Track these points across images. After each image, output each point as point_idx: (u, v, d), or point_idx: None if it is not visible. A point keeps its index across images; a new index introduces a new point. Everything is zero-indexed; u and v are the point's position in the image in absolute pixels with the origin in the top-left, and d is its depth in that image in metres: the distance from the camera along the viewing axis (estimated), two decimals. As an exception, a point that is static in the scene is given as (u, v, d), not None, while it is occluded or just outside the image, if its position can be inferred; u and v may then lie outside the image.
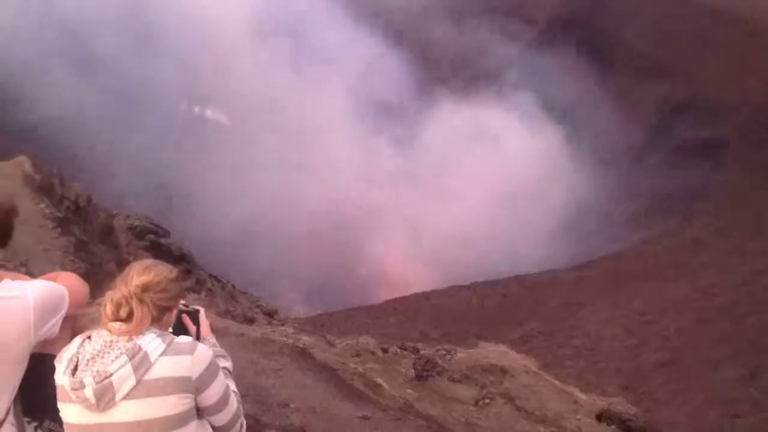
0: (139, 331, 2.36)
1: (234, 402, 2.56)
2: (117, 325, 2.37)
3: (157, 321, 2.45)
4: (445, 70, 43.54)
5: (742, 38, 33.16)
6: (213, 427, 2.53)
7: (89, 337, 2.37)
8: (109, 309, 2.39)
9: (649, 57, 36.42)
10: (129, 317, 2.38)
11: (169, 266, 2.60)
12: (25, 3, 34.30)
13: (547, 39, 41.78)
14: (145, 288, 2.40)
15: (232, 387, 2.67)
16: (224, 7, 37.79)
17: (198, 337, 2.82)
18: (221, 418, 2.51)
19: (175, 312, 2.59)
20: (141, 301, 2.38)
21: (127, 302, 2.39)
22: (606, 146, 36.47)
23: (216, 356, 2.69)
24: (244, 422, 2.74)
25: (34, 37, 32.29)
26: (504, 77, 42.50)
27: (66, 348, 2.39)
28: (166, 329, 2.57)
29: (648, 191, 31.81)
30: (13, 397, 2.41)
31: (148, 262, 2.57)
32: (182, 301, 2.81)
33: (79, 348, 2.34)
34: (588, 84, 39.39)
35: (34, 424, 2.53)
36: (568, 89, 39.13)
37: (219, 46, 36.73)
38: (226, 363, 2.80)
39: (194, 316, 2.90)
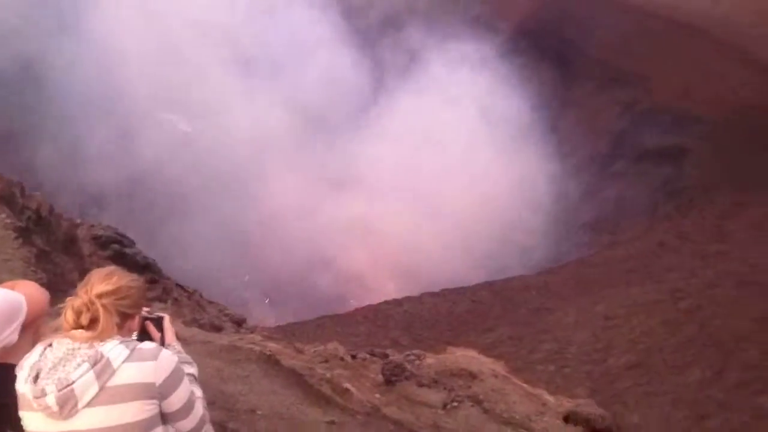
0: (104, 338, 2.34)
1: (199, 408, 2.56)
2: (80, 332, 2.35)
3: (119, 328, 2.44)
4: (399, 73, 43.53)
5: (705, 49, 33.95)
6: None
7: (51, 345, 2.35)
8: (69, 316, 2.37)
9: (613, 66, 37.06)
10: (91, 324, 2.37)
11: (132, 274, 2.59)
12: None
13: (511, 47, 42.26)
14: (107, 294, 2.39)
15: (198, 393, 2.66)
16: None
17: (162, 344, 2.81)
18: (186, 425, 2.51)
19: (137, 319, 2.58)
20: (105, 307, 2.37)
21: (89, 309, 2.37)
22: (570, 153, 36.97)
23: (181, 362, 2.69)
24: (211, 429, 2.73)
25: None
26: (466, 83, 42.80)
27: (27, 356, 2.37)
28: (129, 336, 2.55)
29: (612, 197, 32.30)
30: (-30, 406, 2.38)
31: (110, 269, 2.57)
32: (146, 309, 2.80)
33: (41, 356, 2.32)
34: (552, 92, 39.96)
35: (-5, 434, 2.50)
36: (532, 97, 39.58)
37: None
38: (192, 369, 2.79)
39: (158, 323, 2.90)
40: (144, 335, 2.83)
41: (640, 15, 38.02)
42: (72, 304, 2.41)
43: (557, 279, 25.83)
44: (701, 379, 16.34)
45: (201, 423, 2.58)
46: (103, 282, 2.45)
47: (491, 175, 35.37)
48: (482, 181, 35.02)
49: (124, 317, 2.48)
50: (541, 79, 40.35)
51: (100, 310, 2.38)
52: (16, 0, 34.17)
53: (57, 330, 2.45)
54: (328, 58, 41.02)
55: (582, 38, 39.40)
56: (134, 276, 2.59)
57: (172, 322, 2.98)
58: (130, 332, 2.57)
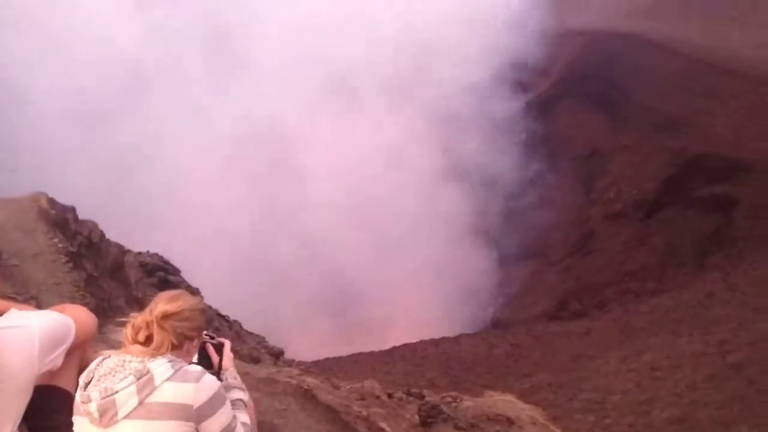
0: (156, 355, 2.41)
1: None
2: (136, 347, 2.43)
3: (177, 348, 2.52)
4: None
5: (755, 94, 33.37)
6: None
7: (109, 356, 2.44)
8: (129, 332, 2.47)
9: (662, 112, 36.67)
10: (147, 341, 2.45)
11: (197, 298, 2.67)
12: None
13: (559, 92, 42.26)
14: (167, 315, 2.49)
15: (245, 419, 2.69)
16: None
17: (220, 369, 2.88)
18: None
19: (197, 342, 2.64)
20: (161, 327, 2.45)
21: (148, 327, 2.47)
22: (618, 199, 36.48)
23: (233, 388, 2.76)
24: None
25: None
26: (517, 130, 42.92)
27: (91, 363, 2.47)
28: (189, 358, 2.62)
29: (659, 245, 31.65)
30: (16, 426, 2.44)
31: (176, 292, 2.66)
32: (209, 333, 2.87)
33: (97, 365, 2.41)
34: (600, 137, 39.67)
35: (38, 454, 2.55)
36: (580, 141, 39.37)
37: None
38: (242, 395, 2.85)
39: (219, 348, 2.96)
40: (203, 357, 2.89)
41: (690, 60, 37.63)
42: (133, 321, 2.51)
43: (599, 325, 25.28)
44: (749, 436, 15.72)
45: None
46: (167, 303, 2.54)
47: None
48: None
49: (183, 338, 2.55)
50: (588, 124, 40.16)
51: (159, 329, 2.46)
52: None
53: (118, 343, 2.55)
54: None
55: (631, 83, 39.16)
56: (199, 300, 2.67)
57: (226, 335, 3.04)
58: (188, 354, 2.64)
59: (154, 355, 2.46)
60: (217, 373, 2.89)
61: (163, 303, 2.55)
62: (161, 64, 36.66)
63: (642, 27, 41.31)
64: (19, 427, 2.49)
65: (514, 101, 44.34)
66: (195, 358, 2.78)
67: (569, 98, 42.18)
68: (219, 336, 3.15)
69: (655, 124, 36.65)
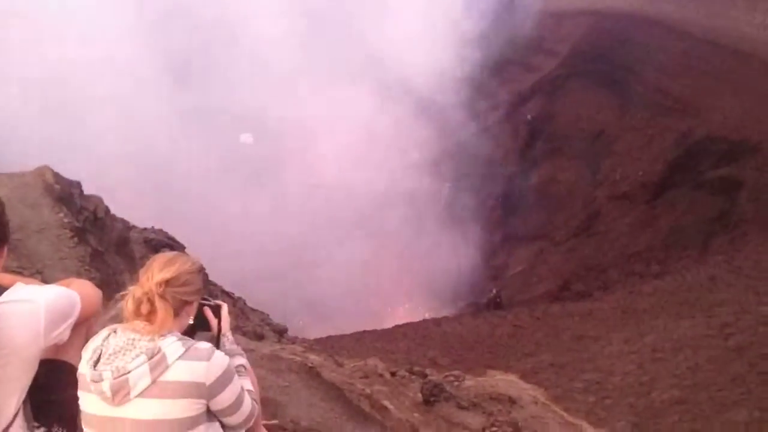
0: (163, 329, 2.40)
1: (247, 404, 2.60)
2: (141, 324, 2.42)
3: (176, 315, 2.50)
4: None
5: (762, 76, 33.07)
6: (226, 426, 2.57)
7: (115, 331, 2.43)
8: (130, 305, 2.45)
9: (669, 93, 36.43)
10: (150, 314, 2.44)
11: (192, 258, 2.64)
12: None
13: (566, 72, 41.97)
14: (166, 283, 2.46)
15: (247, 386, 2.71)
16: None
17: (219, 331, 2.88)
18: (234, 420, 2.57)
19: (195, 305, 2.62)
20: (162, 297, 2.43)
21: (149, 299, 2.44)
22: (623, 181, 36.38)
23: (232, 354, 2.75)
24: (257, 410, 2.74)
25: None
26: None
27: (93, 338, 2.45)
28: (186, 322, 2.60)
29: (664, 226, 31.60)
30: (21, 400, 2.44)
31: (169, 255, 2.62)
32: (204, 296, 2.85)
33: (104, 341, 2.41)
34: (607, 118, 39.46)
35: (43, 429, 2.56)
36: (586, 121, 39.18)
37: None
38: (242, 360, 2.87)
39: (216, 310, 2.95)
40: (202, 320, 2.87)
41: (696, 41, 37.26)
42: (133, 293, 2.48)
43: (603, 307, 25.31)
44: (749, 420, 15.73)
45: (249, 417, 2.62)
46: (164, 270, 2.51)
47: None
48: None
49: (183, 304, 2.53)
50: (595, 103, 39.93)
51: (161, 299, 2.45)
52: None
53: (117, 317, 2.53)
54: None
55: (638, 64, 38.86)
56: (194, 260, 2.63)
57: (230, 311, 3.04)
58: (187, 317, 2.63)
59: (162, 329, 2.45)
60: (217, 337, 2.89)
61: (158, 269, 2.52)
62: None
63: (649, 7, 40.89)
64: (24, 401, 2.50)
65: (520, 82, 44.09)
66: (191, 319, 2.77)
67: (576, 78, 41.87)
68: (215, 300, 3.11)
69: (662, 105, 36.42)
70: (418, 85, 43.28)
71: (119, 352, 2.37)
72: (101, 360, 2.38)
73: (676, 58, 37.21)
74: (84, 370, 2.41)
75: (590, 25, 43.30)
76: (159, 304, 2.47)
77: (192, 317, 2.76)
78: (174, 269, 2.51)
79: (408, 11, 44.66)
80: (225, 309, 3.01)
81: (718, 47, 36.17)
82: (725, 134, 31.89)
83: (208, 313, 2.92)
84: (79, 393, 2.44)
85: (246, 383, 2.73)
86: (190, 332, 2.91)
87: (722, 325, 20.05)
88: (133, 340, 2.39)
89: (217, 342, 2.88)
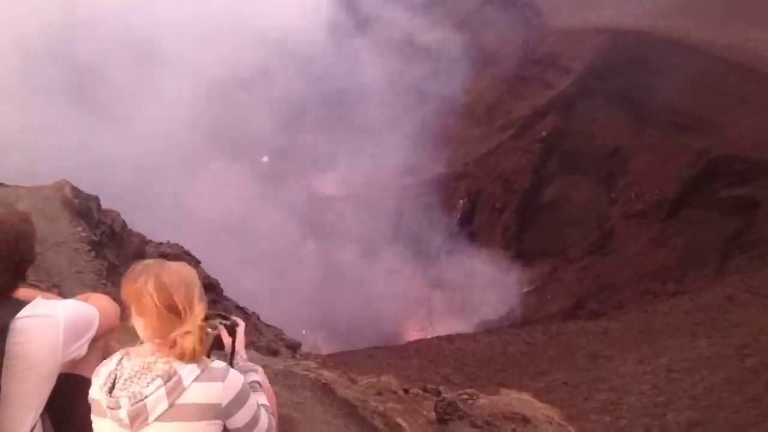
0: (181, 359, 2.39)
1: (264, 420, 2.59)
2: (149, 347, 2.41)
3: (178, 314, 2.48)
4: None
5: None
6: None
7: (128, 354, 2.42)
8: (142, 332, 2.43)
9: (684, 111, 36.26)
10: (157, 334, 2.42)
11: (178, 265, 2.62)
12: None
13: (581, 90, 41.91)
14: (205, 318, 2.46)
15: (262, 401, 2.70)
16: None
17: (233, 351, 2.87)
18: None
19: (203, 306, 2.59)
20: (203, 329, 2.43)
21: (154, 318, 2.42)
22: (638, 199, 36.18)
23: (246, 371, 2.75)
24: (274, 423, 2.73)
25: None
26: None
27: (105, 362, 2.44)
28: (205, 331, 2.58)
29: (680, 246, 31.36)
30: (39, 414, 2.45)
31: (148, 264, 2.56)
32: (223, 313, 2.86)
33: (117, 365, 2.39)
34: (622, 136, 39.32)
35: (62, 440, 2.56)
36: (601, 139, 39.07)
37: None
38: (257, 377, 2.85)
39: (231, 329, 2.95)
40: (215, 339, 2.88)
41: (712, 59, 37.09)
42: (139, 319, 2.46)
43: (617, 326, 25.10)
44: (765, 442, 15.56)
45: None
46: (157, 285, 2.46)
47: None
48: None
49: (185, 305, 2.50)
50: (610, 121, 39.82)
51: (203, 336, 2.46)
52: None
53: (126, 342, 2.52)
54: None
55: (654, 81, 38.74)
56: (181, 264, 2.61)
57: (251, 341, 3.05)
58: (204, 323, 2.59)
59: (178, 358, 2.43)
60: (231, 355, 2.89)
61: (152, 285, 2.47)
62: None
63: (665, 25, 40.82)
64: (42, 414, 2.51)
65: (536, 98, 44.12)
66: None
67: (591, 96, 41.81)
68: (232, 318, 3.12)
69: (678, 124, 36.25)
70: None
71: (135, 376, 2.36)
72: (116, 386, 2.37)
73: (693, 76, 37.05)
74: (97, 395, 2.38)
75: (606, 42, 43.30)
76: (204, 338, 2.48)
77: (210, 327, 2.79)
78: (168, 279, 2.49)
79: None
80: (242, 327, 3.01)
81: (734, 66, 36.00)
82: (742, 154, 31.69)
83: (223, 332, 2.93)
84: (93, 418, 2.42)
85: (261, 398, 2.73)
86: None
87: (739, 346, 19.81)
88: (149, 363, 2.38)
89: (230, 360, 2.88)
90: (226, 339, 2.92)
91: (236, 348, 2.93)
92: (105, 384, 2.36)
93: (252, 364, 2.95)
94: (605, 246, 35.99)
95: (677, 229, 32.39)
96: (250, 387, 2.73)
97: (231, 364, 2.81)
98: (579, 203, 40.10)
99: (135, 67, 37.92)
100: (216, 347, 2.89)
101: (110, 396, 2.33)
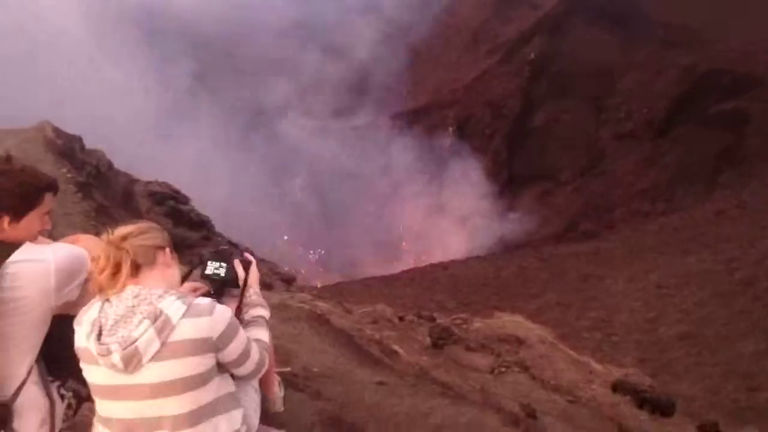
0: (133, 275, 2.38)
1: (255, 354, 2.61)
2: (122, 284, 2.39)
3: (153, 264, 2.47)
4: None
5: (766, 10, 32.32)
6: (237, 377, 2.59)
7: (108, 300, 2.40)
8: (97, 280, 2.41)
9: (672, 26, 35.72)
10: (116, 275, 2.41)
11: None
12: None
13: (568, 8, 41.08)
14: (123, 237, 2.43)
15: (263, 336, 2.73)
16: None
17: (245, 284, 2.90)
18: (243, 371, 2.58)
19: (170, 253, 2.59)
20: (120, 248, 2.40)
21: (109, 259, 2.40)
22: (628, 119, 36.01)
23: (255, 305, 2.78)
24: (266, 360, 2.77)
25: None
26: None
27: (84, 310, 2.42)
28: (172, 273, 2.58)
29: (670, 163, 31.42)
30: (35, 357, 2.45)
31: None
32: (242, 248, 2.89)
33: (100, 312, 2.37)
34: (609, 55, 38.78)
35: (57, 383, 2.58)
36: (589, 59, 38.55)
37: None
38: (264, 312, 2.89)
39: (246, 265, 2.99)
40: (231, 272, 2.92)
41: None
42: (95, 265, 2.45)
43: (608, 246, 25.41)
44: (754, 352, 15.97)
45: (258, 367, 2.64)
46: (120, 229, 2.48)
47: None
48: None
49: (151, 251, 2.49)
50: (597, 41, 39.20)
51: (116, 254, 2.43)
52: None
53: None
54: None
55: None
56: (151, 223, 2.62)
57: (258, 267, 3.07)
58: (169, 267, 2.59)
59: (137, 279, 2.43)
60: (243, 289, 2.92)
61: (114, 231, 2.50)
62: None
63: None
64: (38, 358, 2.52)
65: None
66: (223, 272, 2.83)
67: (577, 15, 40.97)
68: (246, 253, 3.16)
69: (666, 40, 35.76)
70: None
71: (120, 321, 2.35)
72: (104, 332, 2.36)
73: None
74: (85, 344, 2.37)
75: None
76: (122, 256, 2.45)
77: (222, 270, 2.82)
78: (131, 226, 2.49)
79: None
80: (255, 264, 3.04)
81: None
82: (730, 67, 31.39)
83: (239, 266, 2.96)
84: (83, 366, 2.42)
85: (261, 333, 2.75)
86: (220, 288, 2.94)
87: (728, 260, 20.13)
88: (133, 306, 2.37)
89: (242, 294, 2.91)
90: (240, 272, 2.95)
91: (249, 282, 2.95)
92: (92, 332, 2.35)
93: (262, 300, 2.97)
94: (596, 167, 36.01)
95: (667, 147, 32.38)
96: (255, 321, 2.76)
97: (242, 297, 2.86)
98: (569, 126, 39.79)
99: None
100: (233, 284, 2.93)
101: (100, 343, 2.33)
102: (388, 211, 41.01)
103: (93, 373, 2.37)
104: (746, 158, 27.85)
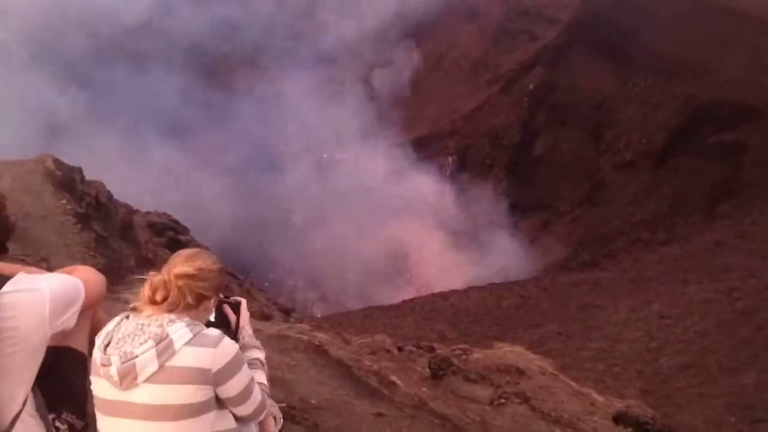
0: (172, 311, 2.42)
1: (257, 394, 2.61)
2: (151, 308, 2.44)
3: (194, 308, 2.51)
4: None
5: (762, 36, 32.66)
6: (237, 417, 2.59)
7: (127, 317, 2.46)
8: (146, 291, 2.47)
9: (670, 57, 36.06)
10: (164, 301, 2.45)
11: (213, 257, 2.65)
12: None
13: (567, 40, 41.55)
14: (185, 276, 2.47)
15: (262, 379, 2.74)
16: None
17: (237, 327, 2.92)
18: (243, 410, 2.58)
19: (213, 301, 2.64)
20: (179, 288, 2.45)
21: (165, 287, 2.46)
22: (627, 149, 36.19)
23: (251, 347, 2.80)
24: (280, 414, 2.77)
25: None
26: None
27: (107, 323, 2.48)
28: (206, 315, 2.62)
29: (669, 194, 31.50)
30: (29, 388, 2.46)
31: (193, 251, 2.64)
32: (223, 294, 2.90)
33: (115, 326, 2.43)
34: (609, 86, 39.13)
35: (52, 415, 2.58)
36: (588, 90, 38.88)
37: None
38: (259, 354, 2.90)
39: (235, 307, 3.00)
40: (221, 317, 2.92)
41: (698, 5, 36.68)
42: (151, 280, 2.50)
43: (609, 275, 25.35)
44: (756, 383, 15.81)
45: (260, 409, 2.64)
46: (185, 263, 2.52)
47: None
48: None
49: (200, 298, 2.54)
50: (596, 71, 39.59)
51: (175, 290, 2.46)
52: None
53: (135, 303, 2.54)
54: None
55: (638, 29, 38.40)
56: (215, 259, 2.65)
57: (237, 293, 3.09)
58: (205, 313, 2.64)
59: (170, 313, 2.46)
60: (235, 332, 2.93)
61: (180, 263, 2.54)
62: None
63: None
64: (33, 388, 2.52)
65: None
66: (212, 317, 2.81)
67: (577, 46, 41.44)
68: (233, 295, 3.18)
69: (664, 71, 36.08)
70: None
71: (128, 337, 2.39)
72: (111, 344, 2.40)
73: (676, 20, 36.76)
74: (95, 354, 2.44)
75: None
76: (175, 292, 2.49)
77: (212, 315, 2.80)
78: (196, 265, 2.52)
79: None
80: (244, 305, 3.05)
81: (717, 9, 35.67)
82: (728, 98, 31.62)
83: (228, 310, 2.98)
84: (91, 378, 2.46)
85: (260, 376, 2.76)
86: None
87: (729, 290, 20.06)
88: (143, 325, 2.41)
89: (235, 336, 2.92)
90: (231, 317, 2.97)
91: (241, 324, 2.97)
92: (102, 343, 2.41)
93: (257, 341, 2.98)
94: (596, 197, 36.12)
95: (666, 177, 32.49)
96: (251, 364, 2.76)
97: (236, 340, 2.86)
98: (568, 155, 40.03)
99: None
100: (222, 327, 2.94)
101: (104, 354, 2.37)
102: (387, 239, 41.08)
103: (96, 385, 2.43)
104: (746, 188, 27.92)
